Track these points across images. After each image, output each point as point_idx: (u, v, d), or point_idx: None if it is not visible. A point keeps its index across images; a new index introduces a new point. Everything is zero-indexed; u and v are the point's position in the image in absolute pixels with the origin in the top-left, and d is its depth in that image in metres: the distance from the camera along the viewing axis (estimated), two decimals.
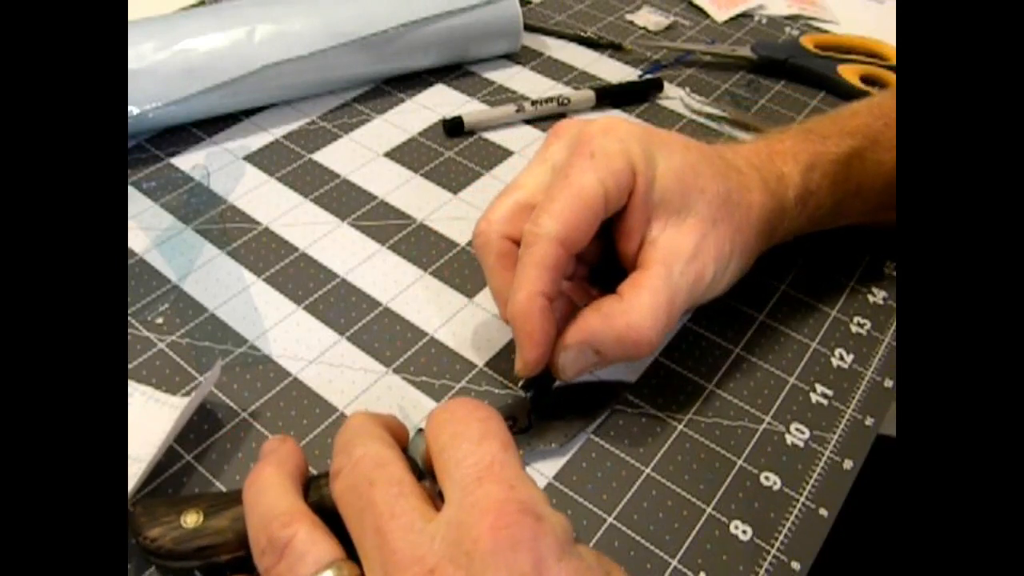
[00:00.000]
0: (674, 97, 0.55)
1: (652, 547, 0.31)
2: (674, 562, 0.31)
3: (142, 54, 0.46)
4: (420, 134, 0.51)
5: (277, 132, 0.50)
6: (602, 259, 0.36)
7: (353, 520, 0.24)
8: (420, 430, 0.28)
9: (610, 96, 0.54)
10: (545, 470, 0.33)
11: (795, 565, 0.31)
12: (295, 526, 0.25)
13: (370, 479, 0.25)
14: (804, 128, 0.40)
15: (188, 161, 0.48)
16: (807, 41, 0.60)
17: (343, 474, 0.25)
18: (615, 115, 0.53)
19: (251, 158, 0.48)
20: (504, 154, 0.50)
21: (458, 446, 0.25)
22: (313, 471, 0.33)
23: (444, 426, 0.26)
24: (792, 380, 0.37)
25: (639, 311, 0.31)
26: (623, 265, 0.34)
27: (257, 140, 0.50)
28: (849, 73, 0.57)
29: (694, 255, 0.33)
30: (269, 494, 0.26)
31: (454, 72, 0.57)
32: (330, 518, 0.26)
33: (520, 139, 0.51)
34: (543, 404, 0.35)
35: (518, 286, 0.32)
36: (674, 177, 0.33)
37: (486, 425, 0.25)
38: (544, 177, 0.34)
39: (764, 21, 0.66)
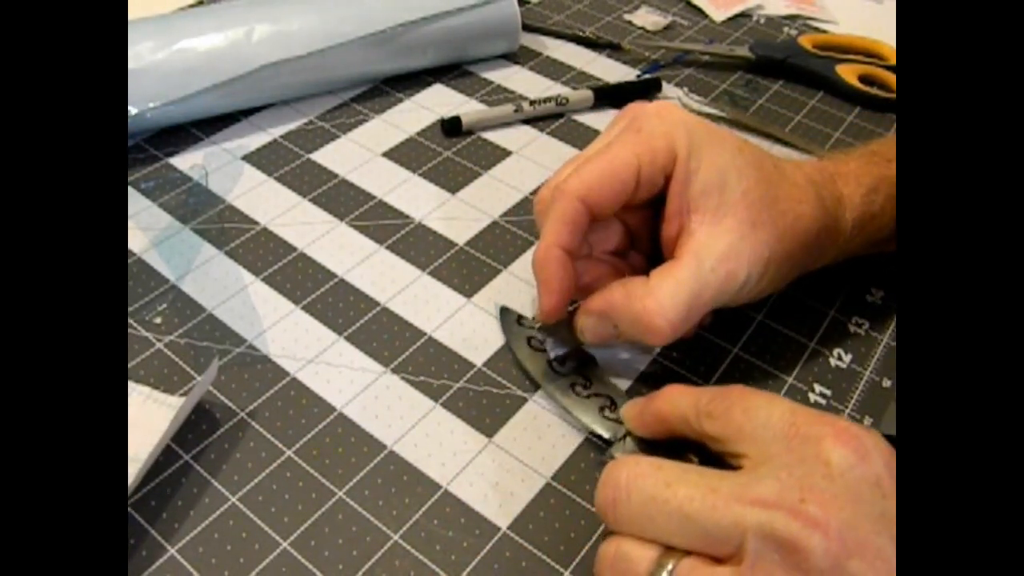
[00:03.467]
0: (672, 97, 0.55)
1: None
2: None
3: (141, 54, 0.46)
4: (418, 134, 0.51)
5: (275, 132, 0.50)
6: (657, 250, 0.37)
7: (671, 524, 0.25)
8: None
9: (608, 96, 0.54)
10: (543, 470, 0.33)
11: None
12: (616, 540, 0.26)
13: (664, 480, 0.25)
14: (869, 150, 0.40)
15: (186, 161, 0.48)
16: (805, 41, 0.60)
17: (620, 500, 0.26)
18: (612, 114, 0.53)
19: (249, 158, 0.48)
20: (502, 154, 0.50)
21: (755, 416, 0.26)
22: (325, 482, 0.33)
23: (730, 411, 0.27)
24: (790, 380, 0.37)
25: (659, 298, 0.32)
26: (664, 253, 0.35)
27: (255, 140, 0.50)
28: (848, 73, 0.57)
29: (728, 254, 0.33)
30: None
31: (452, 72, 0.56)
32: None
33: (518, 139, 0.51)
34: (563, 361, 0.36)
35: (541, 238, 0.34)
36: (717, 173, 0.33)
37: (767, 393, 0.27)
38: None
39: (762, 21, 0.66)
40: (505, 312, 0.39)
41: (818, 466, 0.23)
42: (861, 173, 0.38)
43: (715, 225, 0.33)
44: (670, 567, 0.24)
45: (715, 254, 0.33)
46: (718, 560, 0.24)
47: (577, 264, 0.35)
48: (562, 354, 0.37)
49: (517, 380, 0.37)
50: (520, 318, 0.39)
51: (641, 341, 0.34)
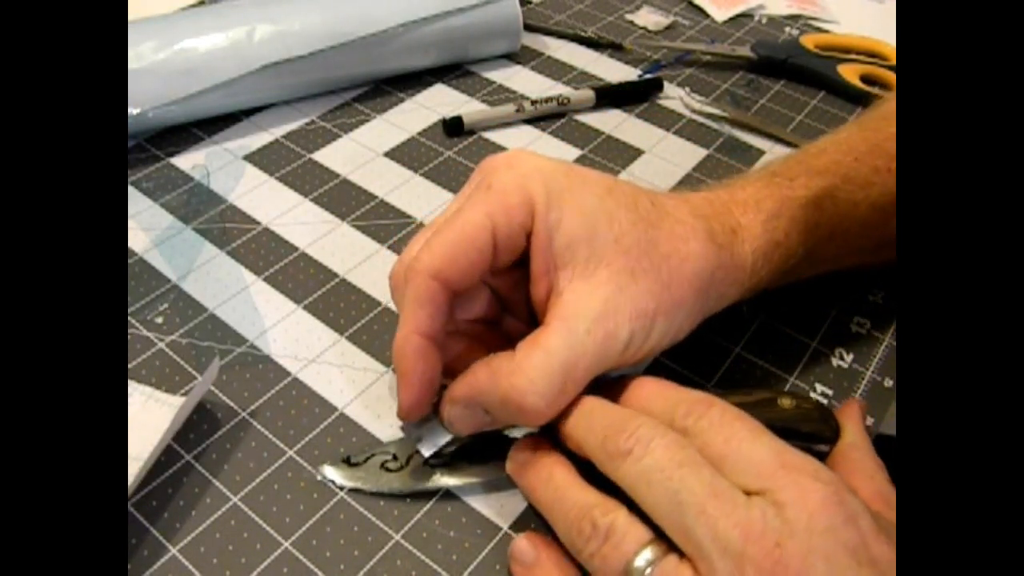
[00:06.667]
0: (674, 97, 0.55)
1: None
2: None
3: (142, 54, 0.46)
4: (420, 134, 0.51)
5: (277, 132, 0.50)
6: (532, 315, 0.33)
7: (663, 500, 0.25)
8: None
9: (610, 96, 0.54)
10: None
11: None
12: (615, 512, 0.26)
13: (678, 460, 0.25)
14: (769, 171, 0.36)
15: (188, 161, 0.48)
16: (807, 41, 0.60)
17: (635, 455, 0.26)
18: (613, 113, 0.53)
19: (251, 158, 0.48)
20: None
21: (736, 447, 0.26)
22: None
23: (707, 433, 0.27)
24: (792, 380, 0.37)
25: (528, 373, 0.28)
26: (537, 318, 0.31)
27: (257, 140, 0.50)
28: (849, 73, 0.57)
29: (604, 312, 0.29)
30: (574, 488, 0.28)
31: (454, 72, 0.57)
32: None
33: (520, 139, 0.51)
34: (433, 460, 0.32)
35: (399, 326, 0.30)
36: (583, 221, 0.29)
37: (747, 420, 0.27)
38: None
39: (764, 21, 0.66)
40: (329, 470, 0.33)
41: (802, 516, 0.24)
42: (761, 198, 0.33)
43: (586, 280, 0.29)
44: (656, 557, 0.25)
45: (589, 315, 0.28)
46: (674, 548, 0.25)
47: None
48: (438, 448, 0.32)
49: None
50: (349, 458, 0.33)
51: (517, 424, 0.30)
